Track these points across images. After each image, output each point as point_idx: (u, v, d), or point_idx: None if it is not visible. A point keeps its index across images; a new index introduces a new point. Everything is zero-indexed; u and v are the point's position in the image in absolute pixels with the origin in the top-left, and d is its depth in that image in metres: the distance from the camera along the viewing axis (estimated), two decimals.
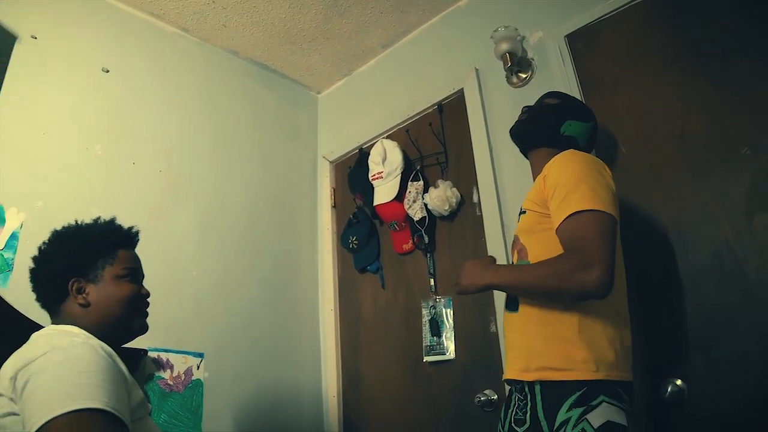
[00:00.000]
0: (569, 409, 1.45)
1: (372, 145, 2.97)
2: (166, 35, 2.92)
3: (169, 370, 2.38)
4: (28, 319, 2.03)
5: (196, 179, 2.77)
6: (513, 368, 1.62)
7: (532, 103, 2.05)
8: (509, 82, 2.52)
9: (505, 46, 2.44)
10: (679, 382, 1.81)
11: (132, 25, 2.78)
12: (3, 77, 2.30)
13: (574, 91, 2.28)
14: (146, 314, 1.58)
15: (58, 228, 1.56)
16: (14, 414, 1.19)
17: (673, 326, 1.89)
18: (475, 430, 2.28)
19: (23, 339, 1.90)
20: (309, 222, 3.21)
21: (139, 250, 1.64)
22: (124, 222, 1.60)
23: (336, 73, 3.38)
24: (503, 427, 1.66)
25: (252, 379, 2.66)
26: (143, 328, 1.57)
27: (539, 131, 1.86)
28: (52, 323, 1.49)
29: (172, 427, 2.32)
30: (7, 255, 2.13)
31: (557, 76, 2.37)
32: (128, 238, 1.61)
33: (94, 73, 2.57)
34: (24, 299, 2.02)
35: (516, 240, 1.73)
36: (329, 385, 2.86)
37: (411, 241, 2.69)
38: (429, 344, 2.51)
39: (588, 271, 1.43)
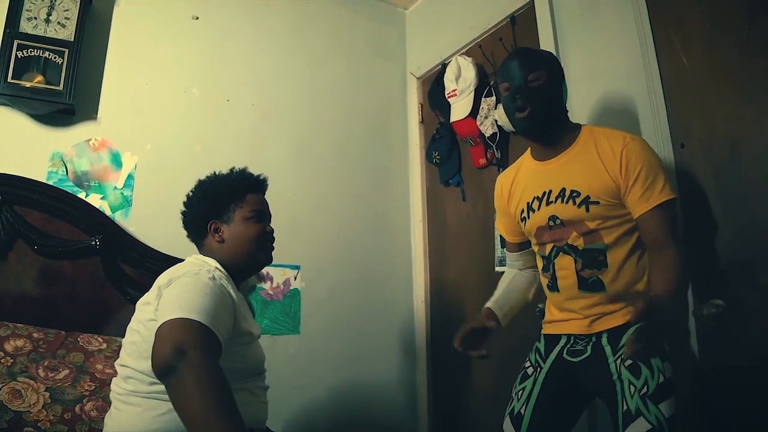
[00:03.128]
0: (632, 332, 1.63)
1: (452, 60, 3.03)
2: None
3: (269, 282, 2.77)
4: (147, 246, 2.49)
5: (288, 108, 3.08)
6: (578, 326, 1.83)
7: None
8: None
9: None
10: (719, 302, 1.84)
11: None
12: (108, 37, 2.67)
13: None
14: (271, 248, 1.95)
15: (206, 177, 1.95)
16: (154, 320, 1.59)
17: (720, 244, 1.89)
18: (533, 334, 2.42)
19: (145, 262, 2.37)
20: (400, 138, 3.43)
21: None
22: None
23: None
24: (543, 361, 1.89)
25: (345, 286, 3.03)
26: (268, 260, 1.95)
27: (552, 116, 1.86)
28: (199, 253, 1.91)
29: (274, 329, 2.75)
30: (126, 193, 2.58)
31: None
32: (256, 183, 1.97)
33: (186, 21, 2.90)
34: (142, 230, 2.49)
35: (578, 225, 1.80)
36: (418, 291, 3.19)
37: (485, 157, 2.78)
38: (501, 255, 2.66)
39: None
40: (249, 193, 1.92)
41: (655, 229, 1.71)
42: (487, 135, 2.71)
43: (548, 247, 1.89)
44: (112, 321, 2.41)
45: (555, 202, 1.85)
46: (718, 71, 1.96)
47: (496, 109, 2.66)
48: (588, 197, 1.78)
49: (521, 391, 1.91)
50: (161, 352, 1.41)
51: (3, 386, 1.94)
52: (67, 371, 2.08)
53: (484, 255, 2.81)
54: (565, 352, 1.85)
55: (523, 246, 2.07)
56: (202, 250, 1.89)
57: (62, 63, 2.47)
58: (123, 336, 2.27)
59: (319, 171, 3.08)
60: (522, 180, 2.01)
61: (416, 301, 3.18)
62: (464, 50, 3.06)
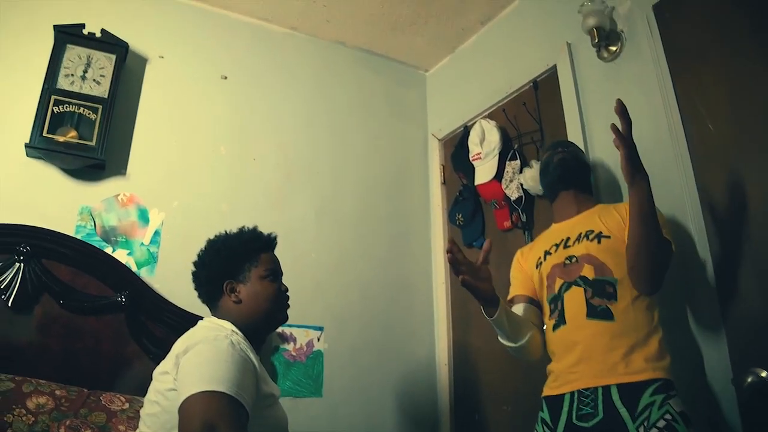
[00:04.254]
0: (652, 394, 1.67)
1: (475, 123, 3.11)
2: (275, 36, 3.30)
3: (292, 343, 2.74)
4: (173, 304, 2.47)
5: (311, 168, 3.14)
6: (589, 375, 1.80)
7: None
8: (599, 57, 2.56)
9: (591, 21, 2.47)
10: (764, 374, 1.75)
11: (244, 31, 3.19)
12: (139, 94, 2.72)
13: (662, 63, 2.30)
14: (287, 306, 1.95)
15: (213, 237, 1.96)
16: (174, 390, 1.58)
17: (756, 311, 1.88)
18: None
19: (169, 320, 2.34)
20: (421, 200, 3.48)
21: None
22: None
23: (441, 52, 3.58)
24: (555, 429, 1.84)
25: (368, 348, 3.00)
26: (285, 319, 1.95)
27: (585, 176, 2.20)
28: (212, 315, 1.90)
29: (296, 391, 2.71)
30: (153, 249, 2.58)
31: (645, 48, 2.39)
32: (268, 242, 1.98)
33: (214, 81, 2.99)
34: (167, 287, 2.47)
35: (589, 259, 1.91)
36: (441, 354, 3.16)
37: (510, 220, 2.81)
38: None
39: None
40: (262, 252, 1.93)
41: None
42: (512, 198, 2.76)
43: (558, 284, 1.95)
44: (134, 379, 2.38)
45: (573, 245, 1.99)
46: (745, 135, 2.01)
47: (521, 173, 2.71)
48: (601, 232, 1.94)
49: None
50: (189, 428, 1.41)
51: None
52: (89, 431, 2.03)
53: None
54: (574, 416, 1.79)
55: (530, 301, 2.12)
56: (217, 311, 1.87)
57: (96, 119, 2.53)
58: (144, 395, 2.27)
59: (341, 231, 3.11)
60: (541, 240, 2.20)
61: (439, 365, 3.15)
62: (486, 113, 3.14)
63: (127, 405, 2.21)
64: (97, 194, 2.57)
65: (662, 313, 1.86)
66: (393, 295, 3.17)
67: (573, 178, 2.14)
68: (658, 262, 1.80)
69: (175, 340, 2.40)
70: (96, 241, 2.50)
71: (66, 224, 2.46)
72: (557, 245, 2.05)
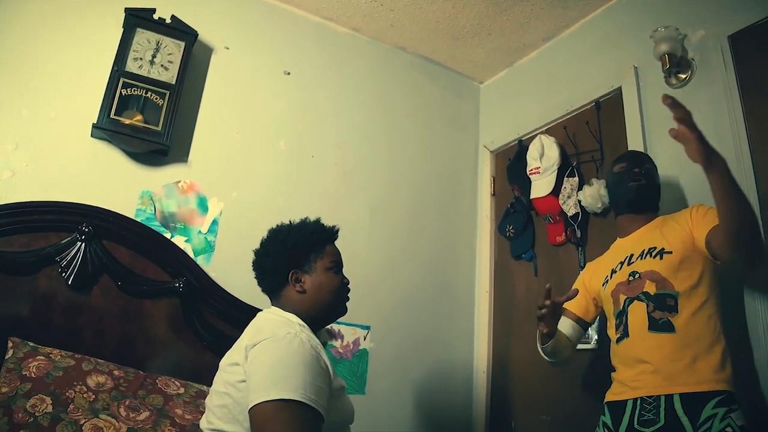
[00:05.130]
0: (715, 407, 1.70)
1: (531, 137, 3.17)
2: (338, 36, 3.32)
3: (339, 340, 2.76)
4: (229, 293, 2.48)
5: (367, 169, 3.16)
6: (652, 385, 1.83)
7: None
8: (668, 83, 2.58)
9: (664, 47, 2.48)
10: None
11: (308, 29, 3.22)
12: (204, 84, 2.74)
13: (735, 94, 2.32)
14: (347, 299, 1.95)
15: (275, 226, 1.95)
16: (244, 381, 1.59)
17: None
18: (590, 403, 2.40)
19: (225, 309, 2.34)
20: (469, 209, 3.50)
21: None
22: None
23: (498, 65, 3.61)
24: None
25: (411, 351, 3.01)
26: (345, 311, 1.95)
27: (656, 199, 2.22)
28: (273, 305, 1.90)
29: None
30: (210, 238, 2.59)
31: (718, 78, 2.40)
32: (332, 234, 1.98)
33: (277, 76, 3.02)
34: (223, 276, 2.48)
35: (652, 275, 1.96)
36: (479, 361, 3.19)
37: (564, 234, 2.84)
38: None
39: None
40: (327, 243, 1.92)
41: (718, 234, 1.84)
42: (569, 214, 2.78)
43: (622, 300, 2.00)
44: (186, 365, 2.39)
45: (636, 262, 2.03)
46: None
47: (581, 189, 2.72)
48: (663, 248, 1.98)
49: None
50: None
51: (86, 422, 1.89)
52: (147, 413, 2.04)
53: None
54: (636, 421, 1.83)
55: (580, 321, 2.25)
56: (279, 300, 1.86)
57: (162, 104, 2.55)
58: (197, 381, 2.27)
59: (392, 234, 3.14)
60: (607, 258, 2.23)
61: (477, 371, 3.17)
62: (544, 129, 3.17)
63: (182, 389, 2.22)
64: (158, 179, 2.59)
65: (725, 323, 1.90)
66: (437, 301, 3.19)
67: (646, 203, 2.18)
68: (756, 231, 1.82)
69: (230, 330, 2.46)
70: (155, 226, 2.52)
71: (127, 207, 2.48)
72: (622, 263, 2.10)
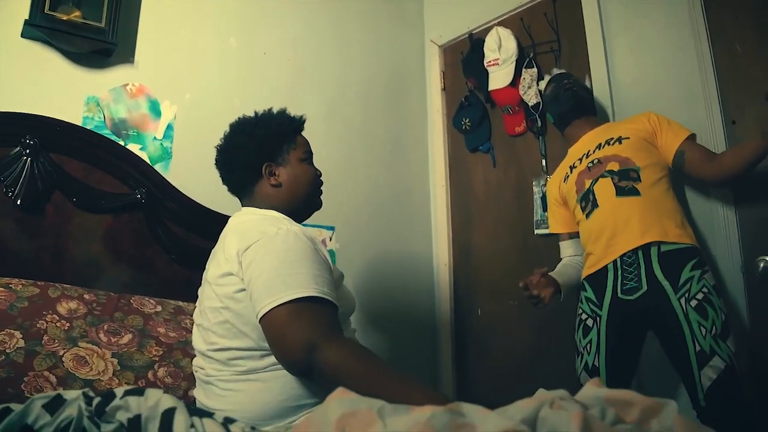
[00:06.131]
0: (692, 269, 1.77)
1: (482, 31, 2.95)
2: None
3: None
4: (195, 201, 2.20)
5: (320, 67, 2.83)
6: (627, 240, 1.87)
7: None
8: None
9: None
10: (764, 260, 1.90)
11: None
12: None
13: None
14: (321, 192, 1.74)
15: (237, 120, 1.69)
16: (243, 290, 1.39)
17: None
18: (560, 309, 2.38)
19: (191, 218, 2.06)
20: (419, 105, 3.25)
21: None
22: (261, 109, 1.68)
23: None
24: (599, 308, 1.91)
25: (374, 249, 2.86)
26: (320, 204, 1.75)
27: (593, 101, 2.31)
28: (244, 205, 1.65)
29: None
30: (166, 144, 2.27)
31: None
32: (301, 124, 1.73)
33: None
34: (183, 183, 2.19)
35: (614, 157, 2.00)
36: (440, 254, 3.05)
37: (524, 124, 2.69)
38: (539, 218, 2.61)
39: None
40: (297, 134, 1.70)
41: (698, 149, 1.96)
42: (530, 104, 2.62)
43: (587, 184, 2.01)
44: (158, 281, 2.11)
45: (593, 153, 2.06)
46: None
47: (541, 80, 2.58)
48: (621, 136, 2.03)
49: (588, 345, 1.94)
50: (289, 351, 1.26)
51: (65, 352, 1.63)
52: (130, 335, 1.79)
53: (519, 219, 2.74)
54: (619, 290, 1.86)
55: (574, 235, 2.19)
56: (252, 198, 1.62)
57: None
58: (171, 297, 2.03)
59: (348, 132, 2.85)
60: (563, 164, 2.24)
61: (438, 264, 3.04)
62: (496, 22, 2.91)
63: (159, 307, 1.96)
64: (103, 83, 2.15)
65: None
66: (396, 198, 2.99)
67: (585, 105, 2.21)
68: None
69: (198, 240, 2.18)
70: (106, 134, 2.11)
71: (72, 115, 2.05)
72: (580, 159, 2.10)
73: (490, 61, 2.74)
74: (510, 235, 2.77)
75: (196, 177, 2.26)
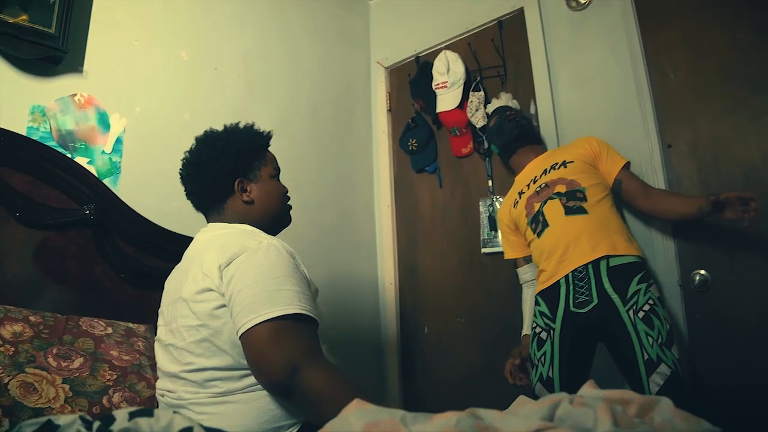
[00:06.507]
0: (638, 283, 1.85)
1: (430, 54, 3.02)
2: None
3: None
4: (145, 218, 2.09)
5: (270, 84, 2.78)
6: (578, 255, 1.93)
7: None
8: (569, 5, 2.58)
9: None
10: (703, 272, 2.10)
11: None
12: None
13: (630, 18, 2.36)
14: (290, 207, 1.73)
15: (205, 133, 1.64)
16: (223, 306, 1.35)
17: (702, 227, 2.11)
18: (507, 325, 2.47)
19: (142, 236, 1.95)
20: (364, 125, 3.26)
21: None
22: (211, 125, 1.63)
23: None
24: (552, 321, 1.97)
25: (319, 268, 2.76)
26: (290, 220, 1.75)
27: (536, 130, 2.44)
28: (212, 221, 1.60)
29: None
30: (115, 158, 2.16)
31: (615, 3, 2.42)
32: (269, 140, 1.70)
33: None
34: (133, 200, 2.08)
35: (560, 180, 2.08)
36: (386, 274, 3.05)
37: (471, 146, 2.75)
38: (486, 237, 2.64)
39: None
40: (266, 149, 1.68)
41: (634, 179, 2.10)
42: (478, 126, 2.68)
43: (536, 206, 2.09)
44: (106, 302, 1.98)
45: (540, 178, 2.14)
46: (702, 89, 2.18)
47: (489, 103, 2.64)
48: (565, 161, 2.12)
49: (543, 357, 1.99)
50: (269, 370, 1.24)
51: (11, 379, 1.50)
52: (81, 359, 1.67)
53: (466, 238, 2.78)
54: (571, 304, 1.93)
55: (529, 259, 2.25)
56: (222, 213, 1.58)
57: (54, 2, 1.96)
58: (120, 319, 1.90)
59: (298, 150, 2.81)
60: (510, 192, 2.31)
61: (383, 284, 3.03)
62: (443, 46, 2.99)
63: (110, 329, 1.83)
64: (49, 92, 2.01)
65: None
66: (342, 219, 2.97)
67: (528, 134, 2.33)
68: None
69: (148, 258, 2.07)
70: (52, 146, 1.97)
71: (15, 125, 1.89)
72: (528, 185, 2.19)
73: (438, 84, 2.79)
74: (457, 254, 2.81)
75: (145, 193, 2.16)
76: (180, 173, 1.63)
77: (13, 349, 1.56)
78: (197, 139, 1.63)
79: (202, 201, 1.61)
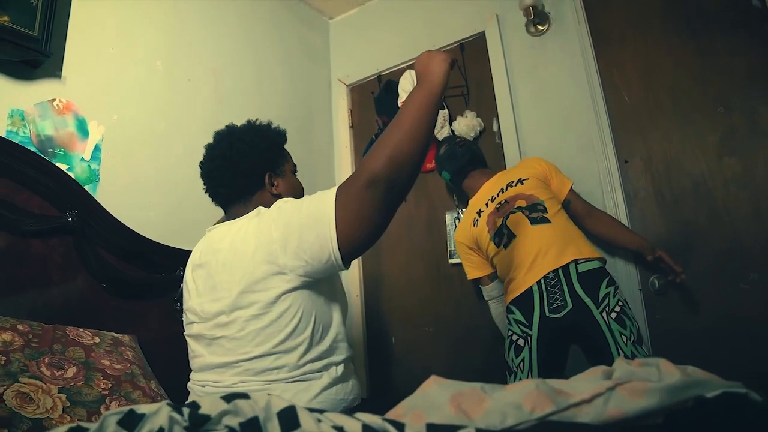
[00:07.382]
0: (607, 286, 1.94)
1: (392, 72, 3.10)
2: None
3: None
4: (128, 227, 2.00)
5: (240, 97, 2.76)
6: (548, 262, 2.00)
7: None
8: (528, 31, 2.70)
9: (528, 1, 2.53)
10: (661, 280, 2.25)
11: None
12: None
13: (586, 43, 2.52)
14: None
15: (226, 129, 1.66)
16: (290, 291, 1.34)
17: (657, 236, 2.27)
18: (491, 320, 2.50)
19: (123, 244, 1.87)
20: (326, 140, 3.27)
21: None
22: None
23: (348, 3, 3.39)
24: (528, 328, 2.01)
25: None
26: None
27: (483, 155, 2.52)
28: (234, 216, 1.54)
29: None
30: (94, 166, 2.07)
31: (572, 28, 2.59)
32: (286, 138, 1.74)
33: None
34: (111, 208, 2.01)
35: (519, 195, 2.17)
36: (352, 286, 3.05)
37: (433, 162, 2.78)
38: (453, 248, 2.69)
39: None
40: (285, 147, 1.73)
41: (581, 201, 2.26)
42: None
43: (498, 221, 2.17)
44: (89, 311, 1.87)
45: (498, 196, 2.22)
46: (654, 107, 2.35)
47: (454, 120, 2.73)
48: (521, 178, 2.23)
49: (522, 363, 2.01)
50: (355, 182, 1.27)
51: (6, 389, 1.40)
52: (74, 368, 1.59)
53: (432, 250, 2.84)
54: (546, 309, 1.98)
55: (493, 277, 2.33)
56: (249, 205, 1.55)
57: (37, 4, 1.86)
58: (102, 328, 1.80)
59: None
60: (467, 213, 2.37)
61: (349, 297, 3.01)
62: (406, 65, 3.07)
63: (97, 339, 1.76)
64: (28, 97, 1.91)
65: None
66: None
67: (479, 158, 2.44)
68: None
69: (130, 268, 1.98)
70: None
71: None
72: (486, 203, 2.26)
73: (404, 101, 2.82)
74: (423, 265, 2.86)
75: (123, 203, 2.09)
76: (204, 166, 1.61)
77: (4, 358, 1.47)
78: (220, 133, 1.64)
79: (232, 193, 1.58)
